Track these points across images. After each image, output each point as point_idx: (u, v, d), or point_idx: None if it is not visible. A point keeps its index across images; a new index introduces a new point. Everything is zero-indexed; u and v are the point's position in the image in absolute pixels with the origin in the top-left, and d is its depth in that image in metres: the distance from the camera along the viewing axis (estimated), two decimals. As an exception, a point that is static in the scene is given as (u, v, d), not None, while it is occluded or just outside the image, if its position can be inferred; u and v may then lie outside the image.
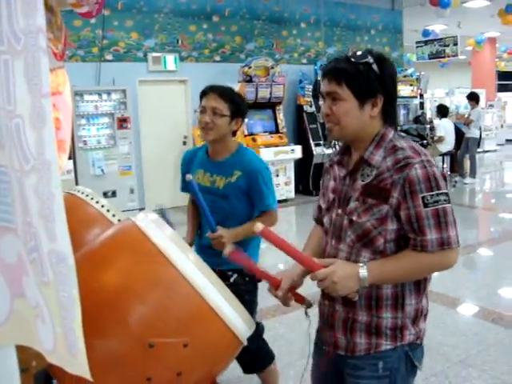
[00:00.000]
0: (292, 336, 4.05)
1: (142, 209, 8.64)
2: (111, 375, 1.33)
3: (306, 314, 1.74)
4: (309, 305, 1.74)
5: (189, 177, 2.24)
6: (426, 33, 14.99)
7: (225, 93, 2.51)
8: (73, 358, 0.99)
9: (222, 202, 2.52)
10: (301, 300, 1.75)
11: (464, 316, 4.46)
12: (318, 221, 1.95)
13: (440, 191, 1.56)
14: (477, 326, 4.21)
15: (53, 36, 2.50)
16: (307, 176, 10.04)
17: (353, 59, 1.61)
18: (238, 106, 2.52)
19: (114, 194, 7.93)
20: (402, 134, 1.73)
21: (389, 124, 1.70)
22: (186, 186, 2.75)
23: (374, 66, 1.60)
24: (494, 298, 4.81)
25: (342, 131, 1.66)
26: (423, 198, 1.54)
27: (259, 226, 1.55)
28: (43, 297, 1.00)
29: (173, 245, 1.44)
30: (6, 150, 1.01)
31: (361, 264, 1.58)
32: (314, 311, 1.78)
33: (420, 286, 1.69)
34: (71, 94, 3.25)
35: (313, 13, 10.78)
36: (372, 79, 1.60)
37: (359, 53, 1.62)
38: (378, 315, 1.66)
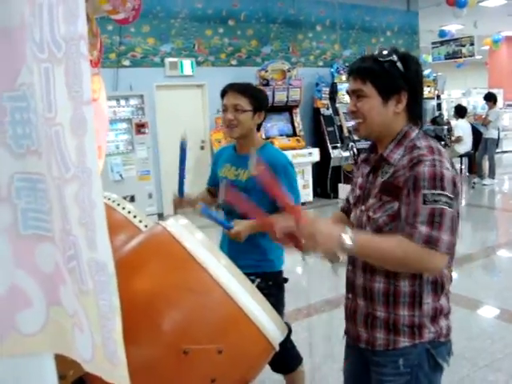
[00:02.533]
0: (315, 340, 4.01)
1: (160, 214, 8.67)
2: (145, 383, 1.32)
3: (303, 258, 1.76)
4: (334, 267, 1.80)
5: (199, 206, 2.36)
6: (442, 33, 14.87)
7: (244, 88, 2.55)
8: (113, 367, 0.98)
9: (245, 195, 2.51)
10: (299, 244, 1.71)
11: (488, 319, 4.40)
12: (344, 210, 2.02)
13: (442, 192, 1.54)
14: (502, 329, 4.15)
15: (89, 43, 2.53)
16: (325, 179, 10.00)
17: (378, 58, 1.66)
18: (259, 100, 2.55)
19: (132, 199, 7.96)
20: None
21: (413, 122, 1.73)
22: (211, 180, 2.90)
23: (399, 64, 1.64)
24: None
25: (367, 128, 1.71)
26: (424, 195, 1.54)
27: (259, 168, 1.55)
28: (82, 306, 1.00)
29: (204, 250, 1.43)
30: (43, 158, 1.01)
31: (348, 229, 1.56)
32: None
33: (437, 285, 1.70)
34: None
35: (328, 15, 10.75)
36: (396, 76, 1.65)
37: (385, 52, 1.67)
38: (396, 312, 1.69)
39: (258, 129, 2.65)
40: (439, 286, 1.70)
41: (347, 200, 2.00)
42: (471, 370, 3.43)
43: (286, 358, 2.72)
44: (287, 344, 2.74)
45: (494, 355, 3.64)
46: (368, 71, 1.66)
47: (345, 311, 1.89)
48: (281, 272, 2.67)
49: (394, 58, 1.64)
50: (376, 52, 1.69)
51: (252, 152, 1.63)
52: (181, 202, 2.69)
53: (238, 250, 2.40)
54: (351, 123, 10.25)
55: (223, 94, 2.57)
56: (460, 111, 10.85)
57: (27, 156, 1.04)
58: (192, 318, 1.34)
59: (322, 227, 1.56)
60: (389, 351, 1.71)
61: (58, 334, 1.08)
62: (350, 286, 1.82)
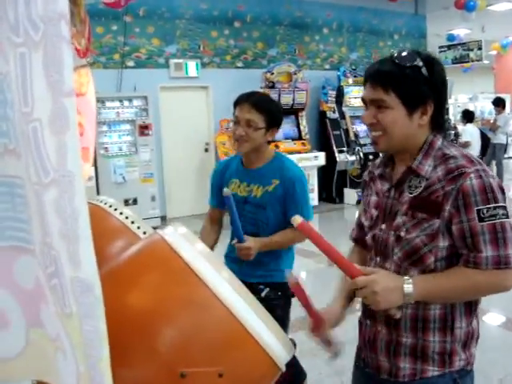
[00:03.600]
0: (317, 351, 3.89)
1: (163, 217, 8.56)
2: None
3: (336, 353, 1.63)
4: (334, 354, 1.63)
5: (227, 191, 2.10)
6: (451, 37, 14.73)
7: (260, 103, 2.37)
8: None
9: (259, 213, 2.39)
10: (331, 346, 1.63)
11: (497, 328, 4.27)
12: (357, 241, 1.81)
13: (497, 204, 1.40)
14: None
15: (75, 30, 2.35)
16: (330, 183, 9.88)
17: (399, 61, 1.45)
18: (274, 116, 2.39)
19: (135, 201, 7.86)
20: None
21: (437, 131, 1.55)
22: (216, 200, 2.62)
23: (424, 70, 1.45)
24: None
25: (389, 142, 1.51)
26: (478, 211, 1.39)
27: (298, 219, 1.39)
28: (65, 329, 0.87)
29: (205, 262, 1.30)
30: (22, 159, 0.89)
31: (406, 277, 1.43)
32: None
33: (471, 306, 1.54)
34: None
35: (335, 18, 10.65)
36: (421, 84, 1.45)
37: (405, 54, 1.47)
38: (425, 338, 1.51)
39: (269, 143, 2.50)
40: (473, 306, 1.55)
41: (359, 226, 1.79)
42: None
43: (289, 375, 2.60)
44: (291, 360, 2.61)
45: (506, 369, 3.51)
46: (390, 78, 1.45)
47: (361, 338, 1.71)
48: (289, 282, 2.55)
49: (419, 62, 1.44)
50: (396, 54, 1.48)
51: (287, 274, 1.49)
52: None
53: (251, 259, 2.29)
54: (357, 127, 10.17)
55: (236, 104, 2.40)
56: (468, 116, 10.71)
57: (5, 156, 0.92)
58: (190, 337, 1.22)
59: (383, 281, 1.40)
60: (415, 381, 1.54)
61: (39, 358, 0.96)
62: (370, 311, 1.60)
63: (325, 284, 5.56)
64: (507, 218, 1.41)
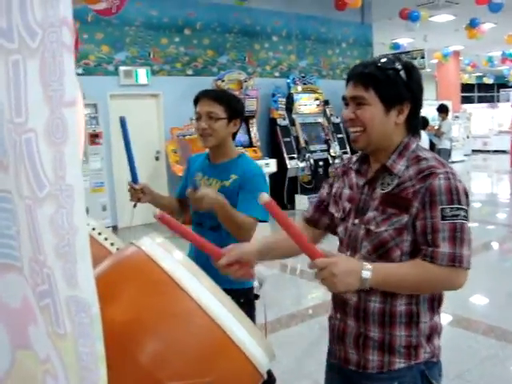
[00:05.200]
0: (281, 356, 3.90)
1: (114, 226, 8.40)
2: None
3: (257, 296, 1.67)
4: (260, 281, 1.67)
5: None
6: (396, 46, 15.16)
7: (218, 95, 2.42)
8: None
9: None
10: (249, 274, 1.67)
11: (453, 329, 4.40)
12: (309, 221, 1.88)
13: (460, 206, 1.48)
14: (469, 339, 4.14)
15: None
16: (282, 190, 9.94)
17: (380, 64, 1.55)
18: (234, 107, 2.42)
19: (86, 211, 7.66)
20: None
21: (412, 134, 1.65)
22: (178, 190, 2.70)
23: (402, 73, 1.55)
24: (477, 308, 4.77)
25: (367, 139, 1.59)
26: (442, 209, 1.47)
27: (264, 197, 1.35)
28: (57, 351, 0.83)
29: (184, 270, 1.28)
30: (10, 172, 0.84)
31: (365, 263, 1.46)
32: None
33: (434, 303, 1.62)
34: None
35: (284, 26, 10.77)
36: (400, 85, 1.55)
37: (386, 59, 1.57)
38: (392, 333, 1.59)
39: (234, 137, 2.51)
40: (436, 304, 1.63)
41: (316, 208, 1.86)
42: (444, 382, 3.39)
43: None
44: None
45: (462, 365, 3.62)
46: (371, 77, 1.55)
47: (330, 332, 1.77)
48: (252, 288, 2.54)
49: (398, 66, 1.55)
50: (378, 58, 1.59)
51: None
52: (138, 192, 2.54)
53: (208, 265, 2.27)
54: (308, 134, 10.29)
55: (196, 101, 2.43)
56: (421, 123, 11.00)
57: None
58: (174, 348, 1.19)
59: (343, 264, 1.42)
60: (383, 374, 1.60)
61: (25, 381, 0.91)
62: (340, 305, 1.70)
63: (279, 290, 5.59)
64: (467, 220, 1.50)
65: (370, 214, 1.60)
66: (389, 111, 1.57)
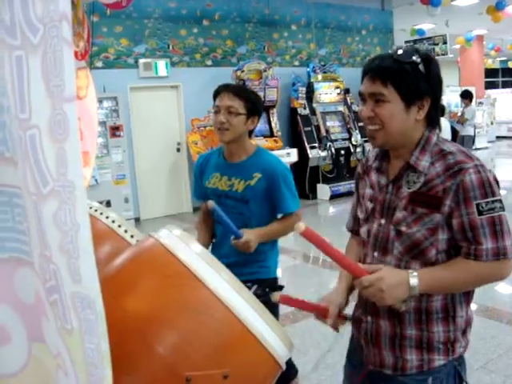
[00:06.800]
0: (304, 347, 3.90)
1: (137, 218, 8.47)
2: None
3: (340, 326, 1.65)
4: (350, 319, 1.67)
5: (211, 204, 2.17)
6: (420, 32, 14.89)
7: (239, 90, 2.40)
8: None
9: (242, 207, 2.39)
10: (344, 319, 1.66)
11: (477, 319, 4.35)
12: (354, 231, 1.84)
13: (495, 198, 1.45)
14: (492, 328, 4.10)
15: (73, 32, 2.28)
16: (303, 179, 9.90)
17: (397, 58, 1.48)
18: (254, 104, 2.39)
19: (108, 203, 7.74)
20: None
21: (432, 127, 1.58)
22: (198, 193, 2.65)
23: (421, 66, 1.48)
24: (502, 298, 4.70)
25: (386, 136, 1.53)
26: (478, 205, 1.43)
27: (301, 226, 1.39)
28: (66, 346, 0.83)
29: (203, 263, 1.29)
30: (19, 167, 0.84)
31: (410, 271, 1.45)
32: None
33: (469, 296, 1.59)
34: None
35: (303, 15, 10.67)
36: (419, 80, 1.48)
37: (403, 51, 1.49)
38: (429, 329, 1.55)
39: (250, 134, 2.48)
40: (471, 295, 1.60)
41: (355, 218, 1.82)
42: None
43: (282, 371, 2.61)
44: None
45: (487, 356, 3.58)
46: (389, 72, 1.47)
47: (361, 336, 1.70)
48: (276, 278, 2.55)
49: (417, 59, 1.47)
50: (395, 51, 1.51)
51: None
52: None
53: (238, 257, 2.29)
54: (329, 123, 10.23)
55: (216, 94, 2.40)
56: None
57: (2, 165, 0.87)
58: (193, 340, 1.20)
59: (389, 278, 1.42)
60: (422, 373, 1.56)
61: (41, 375, 0.91)
62: (371, 307, 1.62)
63: (301, 279, 5.58)
64: (503, 210, 1.47)
65: (399, 215, 1.55)
66: (409, 108, 1.50)
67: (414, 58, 1.47)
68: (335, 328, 1.64)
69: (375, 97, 1.51)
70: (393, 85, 1.47)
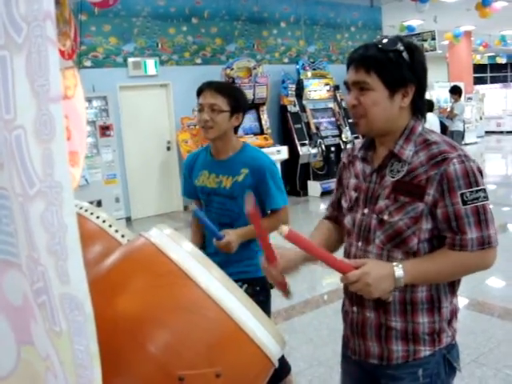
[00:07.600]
0: (296, 343, 3.91)
1: (128, 218, 8.45)
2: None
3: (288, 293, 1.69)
4: (288, 294, 1.69)
5: (191, 206, 2.22)
6: (410, 28, 14.94)
7: (222, 87, 2.39)
8: None
9: (231, 204, 2.39)
10: (284, 287, 1.67)
11: (468, 313, 4.37)
12: (330, 218, 1.87)
13: (479, 187, 1.46)
14: (483, 322, 4.12)
15: (59, 31, 2.25)
16: (294, 176, 9.92)
17: (382, 46, 1.49)
18: (238, 100, 2.39)
19: (99, 203, 7.71)
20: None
21: (417, 116, 1.60)
22: (187, 192, 2.65)
23: (405, 54, 1.49)
24: (492, 291, 4.73)
25: (369, 124, 1.54)
26: (462, 194, 1.44)
27: (284, 229, 1.40)
28: (55, 348, 0.82)
29: (194, 261, 1.28)
30: (5, 169, 0.84)
31: (395, 263, 1.46)
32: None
33: (454, 286, 1.61)
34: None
35: (292, 12, 10.68)
36: (403, 67, 1.49)
37: (388, 40, 1.51)
38: (414, 321, 1.56)
39: (236, 131, 2.48)
40: (456, 286, 1.62)
41: (333, 206, 1.85)
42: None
43: (275, 369, 2.61)
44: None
45: (478, 350, 3.60)
46: (373, 61, 1.49)
47: (347, 326, 1.73)
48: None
49: (400, 47, 1.48)
50: (379, 40, 1.52)
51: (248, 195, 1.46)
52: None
53: (227, 256, 2.28)
54: (319, 120, 10.24)
55: (199, 92, 2.39)
56: (427, 105, 10.90)
57: None
58: (185, 339, 1.20)
59: (374, 271, 1.43)
60: (408, 363, 1.58)
61: (30, 378, 0.91)
62: (357, 297, 1.63)
63: (293, 276, 5.58)
64: (487, 200, 1.48)
65: (382, 204, 1.56)
66: (393, 95, 1.51)
67: (397, 46, 1.49)
68: (271, 279, 1.66)
69: (359, 85, 1.52)
70: (376, 73, 1.49)
